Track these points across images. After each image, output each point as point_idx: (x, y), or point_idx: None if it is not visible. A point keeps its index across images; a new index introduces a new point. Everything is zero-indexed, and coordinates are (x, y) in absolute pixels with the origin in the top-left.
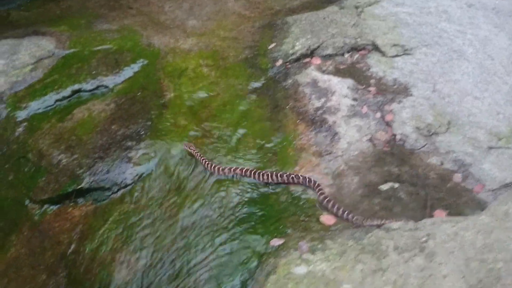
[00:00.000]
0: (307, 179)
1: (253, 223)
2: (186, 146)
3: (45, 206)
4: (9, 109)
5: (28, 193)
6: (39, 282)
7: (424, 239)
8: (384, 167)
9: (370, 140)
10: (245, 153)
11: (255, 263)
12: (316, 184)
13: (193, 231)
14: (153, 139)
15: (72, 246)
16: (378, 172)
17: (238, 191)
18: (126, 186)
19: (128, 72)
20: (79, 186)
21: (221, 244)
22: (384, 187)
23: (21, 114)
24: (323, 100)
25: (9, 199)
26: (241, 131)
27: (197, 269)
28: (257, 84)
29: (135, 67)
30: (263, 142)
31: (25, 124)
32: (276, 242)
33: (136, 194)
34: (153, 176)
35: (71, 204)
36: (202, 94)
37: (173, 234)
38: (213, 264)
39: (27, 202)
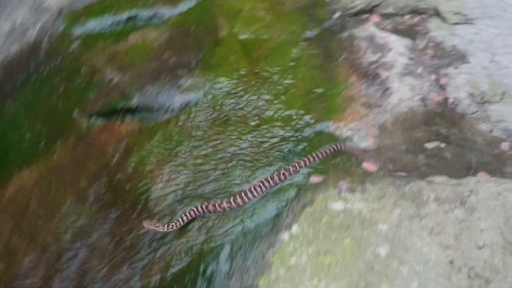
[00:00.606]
0: (311, 157)
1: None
2: (148, 225)
3: (93, 119)
4: (66, 25)
5: (77, 104)
6: (80, 186)
7: (466, 194)
8: (433, 127)
9: (422, 100)
10: (293, 97)
11: (292, 195)
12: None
13: (234, 159)
14: (204, 71)
15: (116, 158)
16: (426, 131)
17: (284, 130)
18: (173, 110)
19: (184, 5)
20: (129, 105)
21: (260, 174)
22: (430, 145)
23: (77, 31)
24: (378, 55)
25: (58, 108)
26: (291, 75)
27: (233, 194)
28: (311, 33)
29: (192, 1)
30: (312, 88)
31: (80, 41)
32: (315, 179)
33: (182, 119)
34: (199, 105)
35: (119, 120)
36: (255, 36)
37: (213, 159)
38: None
39: (75, 113)
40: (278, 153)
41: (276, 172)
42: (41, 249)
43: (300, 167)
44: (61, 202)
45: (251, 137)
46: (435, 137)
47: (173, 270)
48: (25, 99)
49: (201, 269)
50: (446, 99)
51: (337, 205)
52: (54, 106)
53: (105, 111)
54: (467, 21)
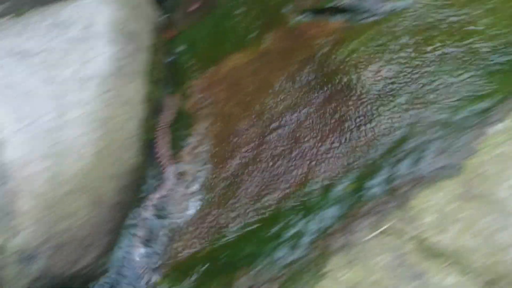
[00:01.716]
0: None
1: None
2: None
3: (302, 16)
4: None
5: (289, 2)
6: (290, 71)
7: None
8: None
9: None
10: (499, 16)
11: (500, 97)
12: None
13: (439, 62)
14: None
15: (325, 50)
16: None
17: (492, 42)
18: (379, 15)
19: None
20: (337, 5)
21: (466, 77)
22: None
23: None
24: None
25: (270, 4)
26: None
27: (437, 92)
28: None
29: None
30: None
31: None
32: None
33: (388, 23)
34: (406, 13)
35: (326, 19)
36: None
37: (418, 61)
38: (455, 90)
39: (286, 9)
40: (491, 63)
41: None
42: (254, 116)
43: None
44: (271, 82)
45: (456, 45)
46: None
47: (385, 140)
48: None
49: (411, 145)
50: None
51: None
52: (266, 2)
53: (314, 9)
54: None
